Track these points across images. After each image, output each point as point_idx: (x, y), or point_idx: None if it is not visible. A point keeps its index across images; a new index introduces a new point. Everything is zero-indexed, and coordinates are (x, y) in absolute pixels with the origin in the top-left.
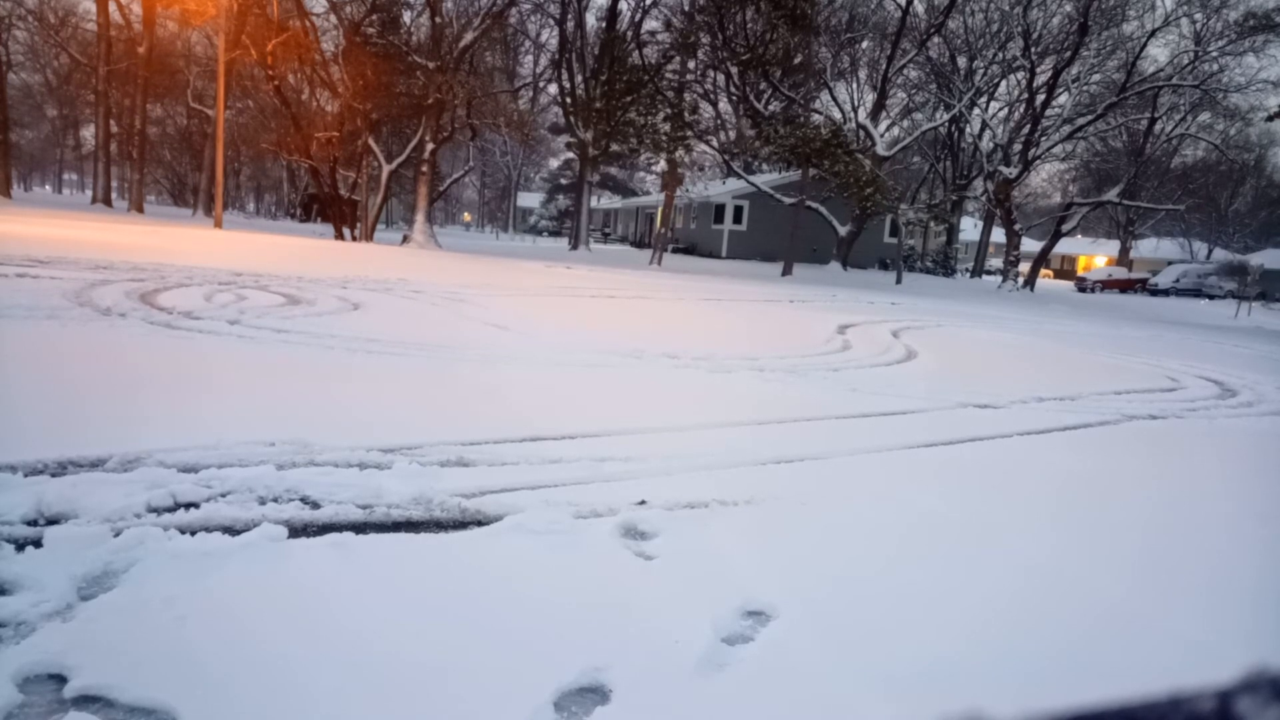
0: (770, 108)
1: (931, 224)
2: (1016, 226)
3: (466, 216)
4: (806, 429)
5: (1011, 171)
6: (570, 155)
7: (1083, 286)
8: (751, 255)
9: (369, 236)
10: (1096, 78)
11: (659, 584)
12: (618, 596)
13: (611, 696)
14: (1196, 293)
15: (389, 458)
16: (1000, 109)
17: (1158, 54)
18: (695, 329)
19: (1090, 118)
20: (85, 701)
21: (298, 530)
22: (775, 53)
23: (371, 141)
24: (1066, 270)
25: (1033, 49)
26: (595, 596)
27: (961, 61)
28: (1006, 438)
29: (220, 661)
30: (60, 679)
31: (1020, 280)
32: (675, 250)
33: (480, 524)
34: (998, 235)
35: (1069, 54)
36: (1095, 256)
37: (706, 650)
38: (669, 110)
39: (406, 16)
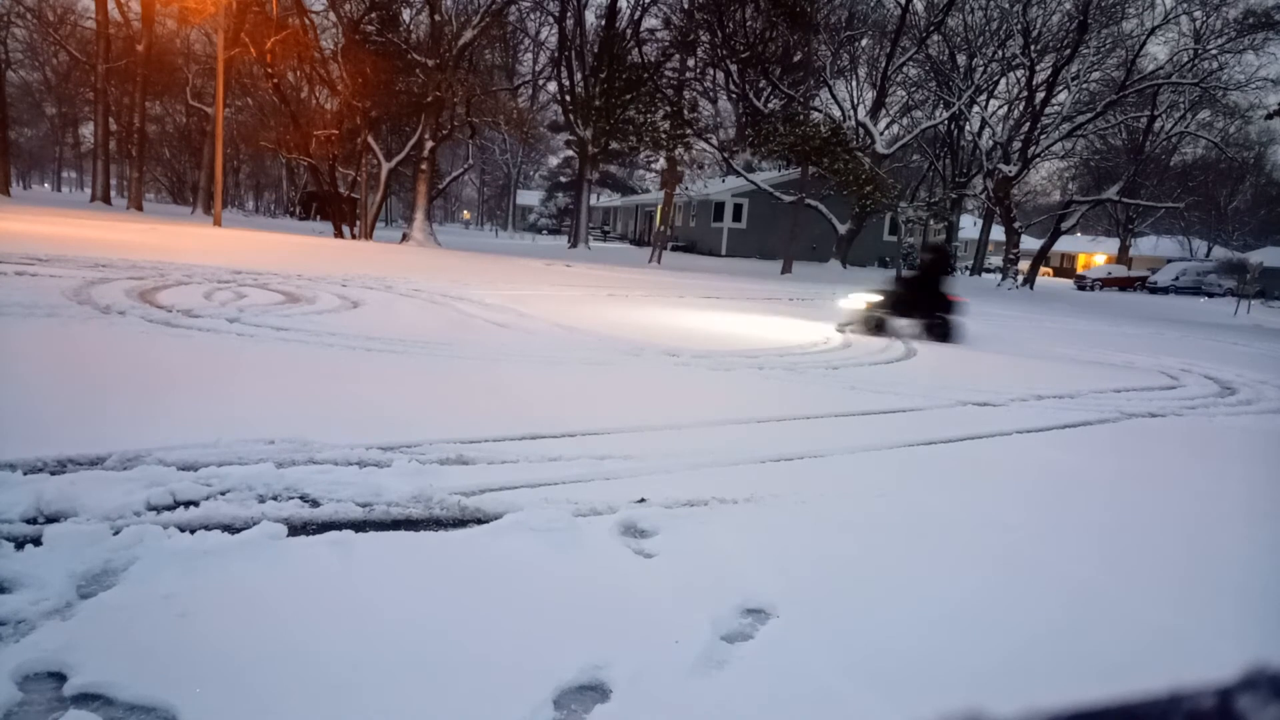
0: (770, 105)
1: (931, 222)
2: (1016, 224)
3: (466, 214)
4: (806, 427)
5: (1011, 169)
6: (570, 153)
7: (1082, 284)
8: (751, 253)
9: (368, 234)
10: (1096, 75)
11: (658, 582)
12: (617, 594)
13: (611, 694)
14: (1196, 290)
15: (389, 455)
16: (1000, 107)
17: (1157, 52)
18: (694, 326)
19: (1090, 115)
20: (85, 699)
21: (297, 528)
22: (775, 50)
23: (371, 139)
24: (1066, 268)
25: (1032, 47)
26: (595, 594)
27: (961, 59)
28: (1006, 435)
29: (220, 659)
30: (60, 677)
31: (1020, 278)
32: (675, 248)
33: (480, 522)
34: (997, 233)
35: (1068, 52)
36: (1095, 254)
37: (706, 648)
38: (668, 108)
39: (406, 14)
